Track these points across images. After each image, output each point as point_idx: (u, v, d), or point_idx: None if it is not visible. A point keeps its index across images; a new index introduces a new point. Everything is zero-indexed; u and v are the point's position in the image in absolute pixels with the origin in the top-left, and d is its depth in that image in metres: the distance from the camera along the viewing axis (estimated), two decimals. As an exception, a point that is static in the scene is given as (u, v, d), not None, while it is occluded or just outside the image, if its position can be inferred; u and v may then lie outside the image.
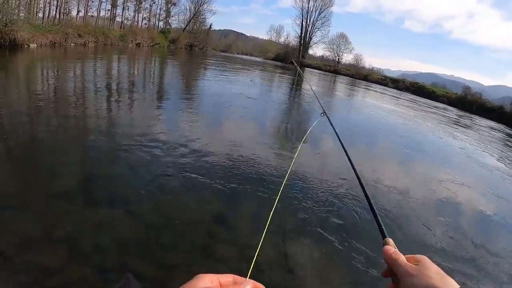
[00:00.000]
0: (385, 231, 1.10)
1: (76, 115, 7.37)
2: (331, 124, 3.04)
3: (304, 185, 5.59)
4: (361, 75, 56.65)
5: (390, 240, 1.00)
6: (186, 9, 57.69)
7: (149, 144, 6.07)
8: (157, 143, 6.17)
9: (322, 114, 3.75)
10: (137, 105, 9.14)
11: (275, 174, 5.74)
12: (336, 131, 2.76)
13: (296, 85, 26.45)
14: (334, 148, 7.95)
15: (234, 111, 10.64)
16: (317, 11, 66.58)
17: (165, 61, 28.37)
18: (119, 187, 4.40)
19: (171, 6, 53.45)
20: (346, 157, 1.99)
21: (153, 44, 43.15)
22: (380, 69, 65.95)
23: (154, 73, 18.82)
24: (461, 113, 32.07)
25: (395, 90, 46.05)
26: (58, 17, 30.73)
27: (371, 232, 4.27)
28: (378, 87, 44.93)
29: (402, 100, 30.04)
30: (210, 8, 59.30)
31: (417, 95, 44.86)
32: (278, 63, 61.19)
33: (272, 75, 31.69)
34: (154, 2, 50.37)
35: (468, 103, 39.75)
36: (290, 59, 64.81)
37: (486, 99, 40.68)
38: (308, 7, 66.37)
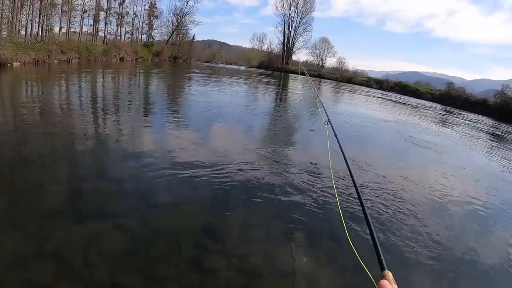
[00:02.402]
0: (384, 262, 1.12)
1: (62, 132, 7.43)
2: (335, 133, 3.17)
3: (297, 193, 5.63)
4: (345, 78, 57.15)
5: (389, 274, 0.99)
6: (169, 21, 57.89)
7: (136, 158, 6.13)
8: (144, 157, 6.23)
9: (326, 123, 3.76)
10: (123, 120, 9.20)
11: (263, 183, 5.83)
12: (339, 141, 2.94)
13: (282, 90, 26.93)
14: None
15: (222, 122, 10.77)
16: (299, 17, 67.54)
17: (149, 75, 28.53)
18: (107, 202, 4.45)
19: (154, 19, 53.64)
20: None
21: (137, 58, 43.28)
22: (364, 70, 66.47)
23: (138, 88, 18.97)
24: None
25: (380, 91, 46.52)
26: (40, 34, 30.70)
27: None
28: (364, 89, 45.47)
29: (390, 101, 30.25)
30: (192, 19, 59.65)
31: (402, 94, 45.46)
32: (262, 71, 61.76)
33: (258, 83, 32.13)
34: (137, 16, 50.56)
35: (452, 98, 40.53)
36: (274, 66, 65.62)
37: (469, 93, 41.55)
38: (289, 14, 67.27)
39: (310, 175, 6.57)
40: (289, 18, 67.53)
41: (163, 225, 4.11)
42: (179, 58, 57.56)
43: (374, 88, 50.47)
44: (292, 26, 68.22)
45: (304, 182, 6.19)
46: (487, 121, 27.87)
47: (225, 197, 5.18)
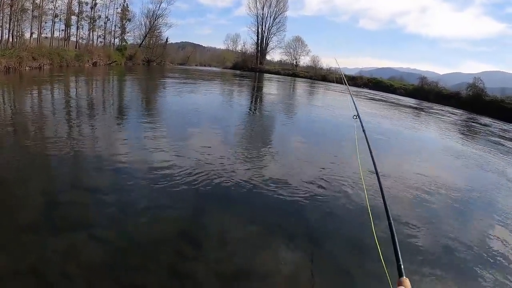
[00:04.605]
0: (402, 268, 1.10)
1: (35, 142, 7.34)
2: (363, 128, 3.11)
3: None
4: (320, 76, 58.50)
5: (407, 281, 0.99)
6: (141, 24, 57.95)
7: (111, 167, 6.12)
8: (119, 165, 6.21)
9: (354, 117, 3.71)
10: (97, 128, 9.19)
11: (240, 188, 5.90)
12: (367, 136, 2.91)
13: (258, 88, 27.52)
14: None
15: (198, 128, 10.76)
16: (272, 17, 69.14)
17: (123, 80, 28.68)
18: (82, 213, 4.40)
19: (126, 22, 53.71)
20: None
21: (110, 62, 43.29)
22: (338, 68, 67.53)
23: (112, 93, 19.21)
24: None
25: (354, 87, 47.32)
26: (11, 40, 30.64)
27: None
28: (338, 86, 46.29)
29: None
30: (165, 21, 59.83)
31: (375, 90, 46.67)
32: (237, 71, 62.68)
33: (232, 83, 32.61)
34: (109, 19, 50.64)
35: (425, 92, 42.10)
36: (248, 66, 66.48)
37: (442, 87, 43.45)
38: (262, 14, 68.61)
39: (290, 172, 6.94)
40: (262, 18, 69.08)
41: (140, 233, 4.10)
42: (152, 61, 57.62)
43: (349, 85, 51.25)
44: (265, 26, 69.77)
45: (282, 179, 6.47)
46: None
47: (202, 202, 5.22)
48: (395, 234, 1.31)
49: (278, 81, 46.45)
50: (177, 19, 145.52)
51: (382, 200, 1.74)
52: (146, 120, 11.14)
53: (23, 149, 6.85)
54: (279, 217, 5.05)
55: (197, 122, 11.69)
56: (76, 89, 19.08)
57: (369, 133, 3.15)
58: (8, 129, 8.39)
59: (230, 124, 12.29)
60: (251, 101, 21.64)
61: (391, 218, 1.49)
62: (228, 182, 6.06)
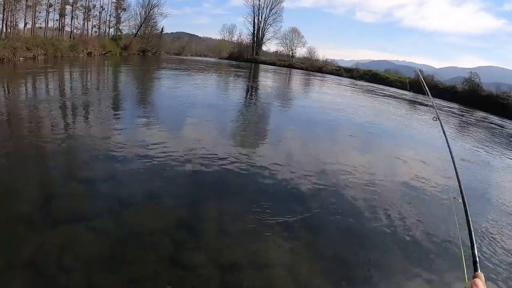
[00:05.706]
0: (478, 263, 1.14)
1: (30, 134, 7.36)
2: (443, 131, 2.96)
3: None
4: (315, 67, 58.58)
5: (482, 276, 1.03)
6: (137, 14, 57.37)
7: (107, 158, 6.11)
8: (115, 156, 6.18)
9: (434, 119, 3.55)
10: (92, 119, 9.12)
11: (237, 176, 5.97)
12: (447, 139, 2.79)
13: (255, 80, 27.65)
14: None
15: (193, 118, 10.80)
16: (269, 8, 68.86)
17: (119, 71, 28.57)
18: (79, 205, 4.37)
19: (121, 11, 53.22)
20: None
21: (105, 52, 42.98)
22: (334, 60, 67.89)
23: (108, 84, 19.22)
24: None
25: (350, 79, 47.68)
26: (5, 31, 30.39)
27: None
28: (334, 78, 46.90)
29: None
30: (161, 11, 59.23)
31: (371, 82, 46.68)
32: (233, 62, 62.40)
33: (229, 74, 32.42)
34: (104, 9, 50.15)
35: (421, 85, 41.67)
36: (244, 57, 66.31)
37: (438, 81, 43.02)
38: (259, 4, 68.31)
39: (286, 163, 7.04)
40: (258, 9, 68.83)
41: (137, 224, 4.09)
42: (148, 52, 57.20)
43: (344, 76, 51.61)
44: (262, 17, 69.53)
45: (280, 170, 6.51)
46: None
47: (199, 191, 5.24)
48: (472, 231, 1.35)
49: (275, 72, 46.51)
50: (172, 9, 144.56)
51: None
52: (142, 111, 11.26)
53: (18, 140, 6.90)
54: (278, 203, 5.11)
55: (196, 112, 11.72)
56: (71, 79, 19.01)
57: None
58: (3, 121, 8.32)
59: (226, 115, 12.29)
60: (248, 92, 21.73)
61: (469, 215, 1.53)
62: (227, 171, 6.12)
